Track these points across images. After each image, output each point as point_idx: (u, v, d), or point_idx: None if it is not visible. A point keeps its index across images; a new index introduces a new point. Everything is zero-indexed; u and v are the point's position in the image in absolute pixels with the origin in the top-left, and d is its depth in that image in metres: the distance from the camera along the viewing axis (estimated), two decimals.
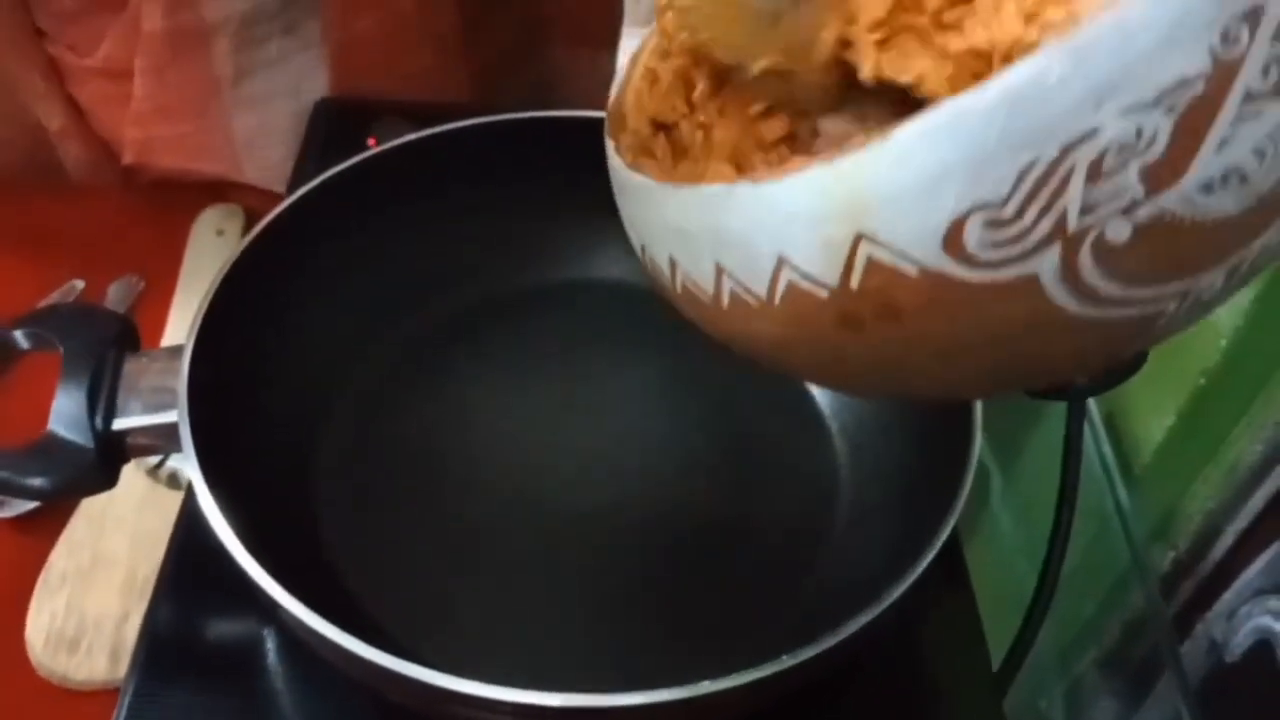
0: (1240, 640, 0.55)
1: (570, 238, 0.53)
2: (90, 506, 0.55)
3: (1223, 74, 0.23)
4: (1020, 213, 0.24)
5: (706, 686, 0.35)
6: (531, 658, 0.43)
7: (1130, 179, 0.24)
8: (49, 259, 0.66)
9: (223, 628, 0.45)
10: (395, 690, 0.37)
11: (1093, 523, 0.63)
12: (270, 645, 0.45)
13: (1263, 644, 0.53)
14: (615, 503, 0.48)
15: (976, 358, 0.28)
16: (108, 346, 0.41)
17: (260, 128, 0.63)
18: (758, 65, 0.31)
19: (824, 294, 0.27)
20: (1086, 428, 0.54)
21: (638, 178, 0.31)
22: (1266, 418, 0.55)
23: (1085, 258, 0.25)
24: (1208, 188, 0.24)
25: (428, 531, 0.47)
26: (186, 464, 0.39)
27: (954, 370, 0.29)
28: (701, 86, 0.36)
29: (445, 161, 0.50)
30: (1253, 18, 0.23)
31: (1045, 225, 0.24)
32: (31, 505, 0.55)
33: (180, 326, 0.63)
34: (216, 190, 0.68)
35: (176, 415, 0.40)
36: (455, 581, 0.46)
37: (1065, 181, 0.24)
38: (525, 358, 0.53)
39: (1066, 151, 0.24)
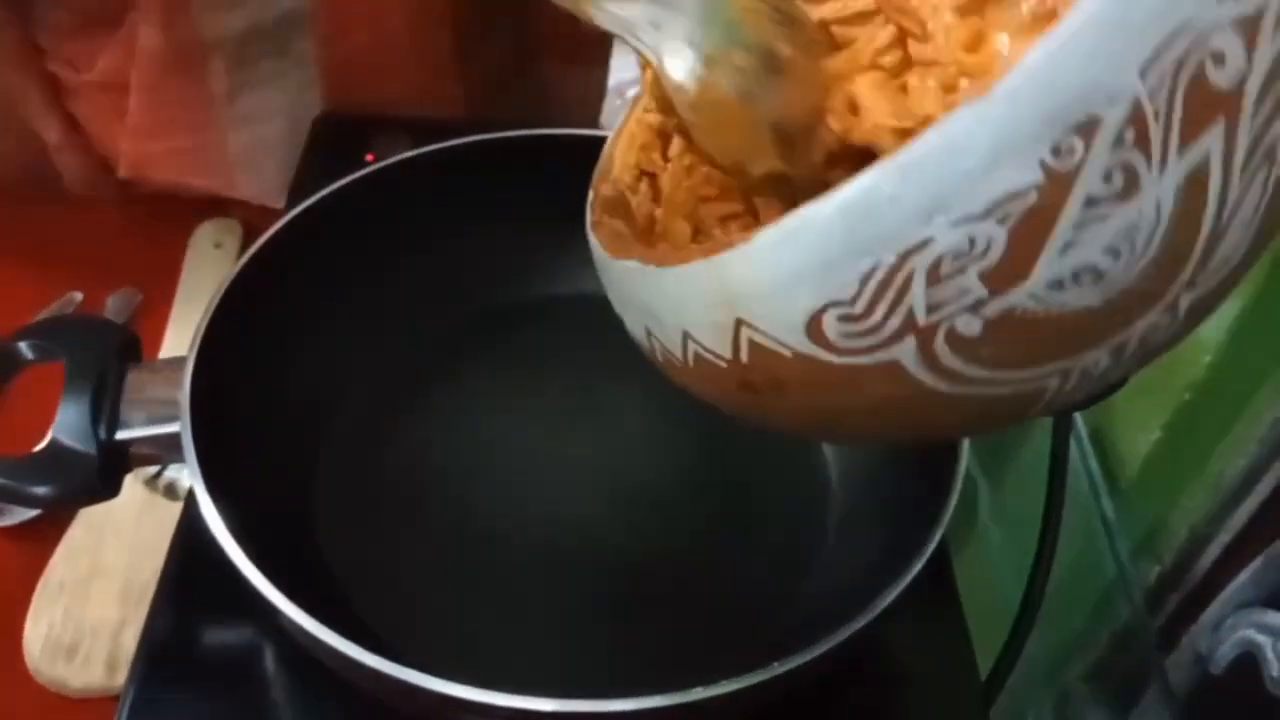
0: (1225, 652, 0.56)
1: (567, 253, 0.54)
2: (88, 516, 0.56)
3: (1058, 184, 0.24)
4: (870, 310, 0.26)
5: (698, 693, 0.35)
6: (527, 665, 0.44)
7: (971, 281, 0.25)
8: (48, 271, 0.66)
9: (221, 636, 0.46)
10: (392, 695, 0.38)
11: (1079, 536, 0.64)
12: (268, 653, 0.45)
13: (1247, 656, 0.54)
14: (609, 513, 0.49)
15: (868, 423, 0.31)
16: (111, 358, 0.42)
17: (255, 144, 0.64)
18: (757, 170, 0.33)
19: (723, 364, 0.30)
20: (1073, 441, 0.55)
21: (593, 241, 0.34)
22: (1251, 432, 0.55)
23: (941, 347, 0.27)
24: (1057, 285, 0.25)
25: (424, 541, 0.48)
26: (188, 473, 0.39)
27: (849, 432, 0.32)
28: (676, 142, 0.37)
29: (445, 177, 0.51)
30: (1087, 130, 0.24)
31: (895, 321, 0.26)
32: (30, 514, 0.56)
33: (178, 338, 0.63)
34: (214, 204, 0.69)
35: (179, 426, 0.40)
36: (450, 590, 0.47)
37: (907, 284, 0.26)
38: (522, 371, 0.54)
39: (904, 258, 0.25)
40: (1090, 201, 0.25)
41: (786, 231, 0.26)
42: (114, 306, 0.65)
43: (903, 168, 0.25)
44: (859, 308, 0.26)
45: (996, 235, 0.25)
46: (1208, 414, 0.58)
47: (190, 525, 0.48)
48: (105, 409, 0.41)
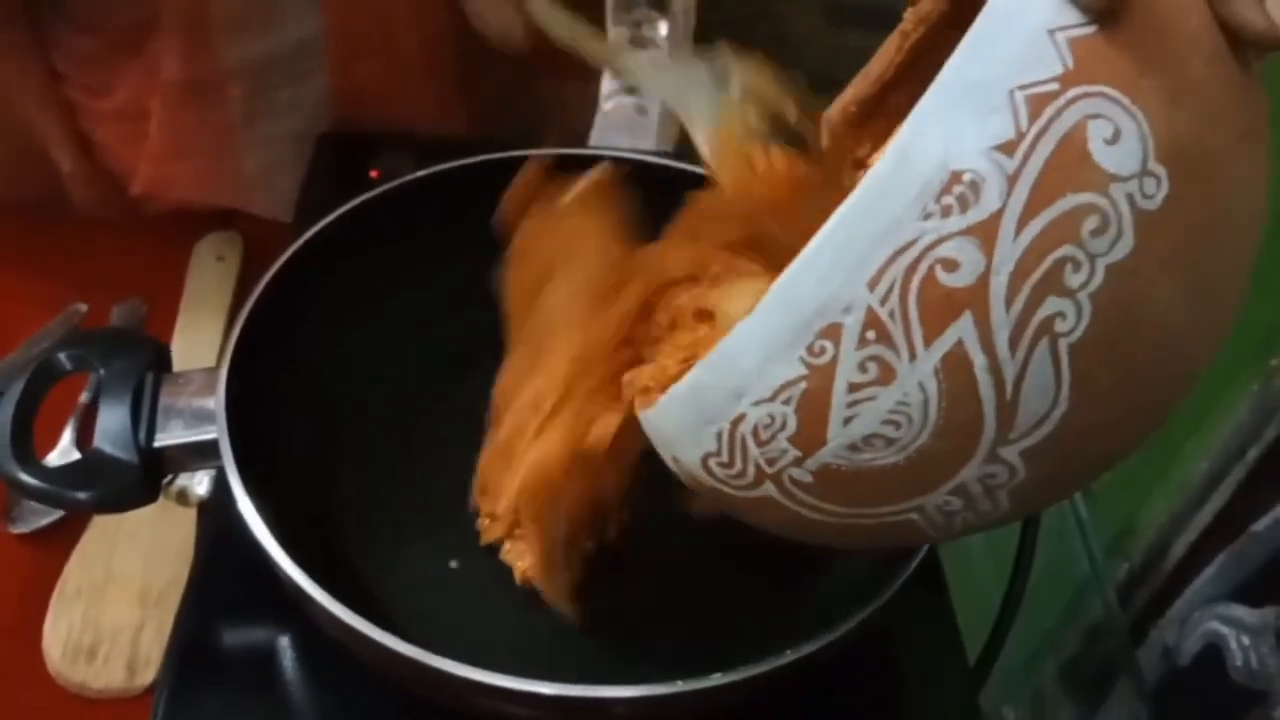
0: (1191, 645, 0.59)
1: None
2: (102, 523, 0.57)
3: (821, 375, 0.31)
4: (732, 460, 0.34)
5: (717, 678, 0.38)
6: (542, 653, 0.47)
7: (784, 445, 0.32)
8: (51, 283, 0.67)
9: (250, 635, 0.47)
10: (414, 680, 0.40)
11: (1053, 537, 0.67)
12: (295, 651, 0.47)
13: (1212, 648, 0.57)
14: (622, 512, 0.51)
15: (815, 536, 0.36)
16: (145, 368, 0.44)
17: (269, 164, 0.66)
18: None
19: (691, 483, 0.37)
20: None
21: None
22: (1213, 437, 0.59)
23: (792, 489, 0.34)
24: (853, 449, 0.32)
25: (441, 537, 0.50)
26: (229, 476, 0.41)
27: (820, 541, 0.37)
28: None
29: (461, 192, 0.53)
30: (832, 333, 0.30)
31: (751, 469, 0.34)
32: (44, 521, 0.57)
33: (185, 348, 0.64)
34: (216, 216, 0.70)
35: (215, 432, 0.42)
36: (465, 582, 0.49)
37: (744, 445, 0.33)
38: None
39: (734, 426, 0.33)
40: (853, 387, 0.30)
41: (669, 398, 0.35)
42: (120, 317, 0.65)
43: (711, 364, 0.33)
44: (725, 458, 0.34)
45: (788, 413, 0.32)
46: (1173, 421, 0.61)
47: (217, 528, 0.49)
48: (143, 417, 0.43)
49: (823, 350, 0.30)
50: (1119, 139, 0.29)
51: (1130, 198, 0.29)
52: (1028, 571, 0.54)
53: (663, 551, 0.50)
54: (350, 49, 0.63)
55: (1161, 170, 0.29)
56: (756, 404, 0.32)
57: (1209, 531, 0.59)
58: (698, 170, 0.45)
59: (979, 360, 0.29)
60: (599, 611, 0.47)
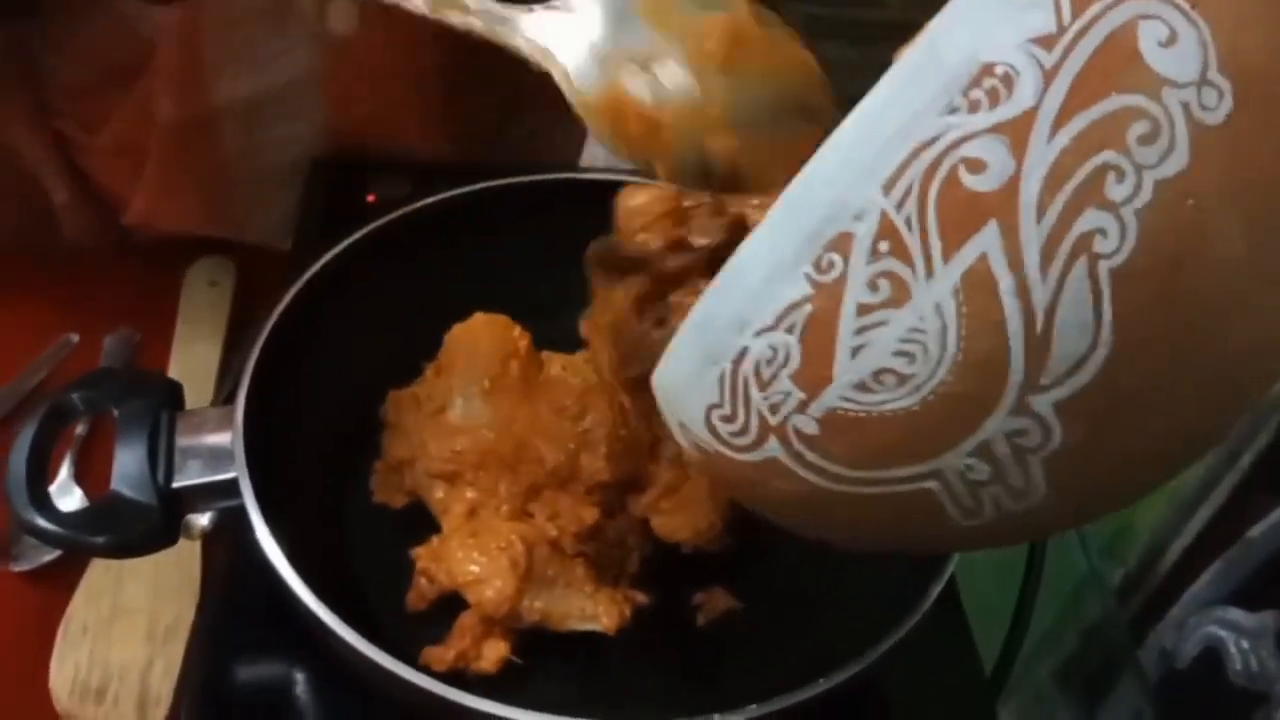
0: (1189, 648, 0.60)
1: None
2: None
3: (828, 295, 0.28)
4: (735, 412, 0.31)
5: (753, 710, 0.38)
6: (557, 689, 0.47)
7: (787, 385, 0.29)
8: (41, 314, 0.66)
9: (262, 671, 0.47)
10: (436, 715, 0.40)
11: (1051, 542, 0.68)
12: (310, 685, 0.47)
13: (1210, 651, 0.58)
14: None
15: (827, 522, 0.33)
16: (159, 408, 0.43)
17: (264, 195, 0.66)
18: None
19: (695, 458, 0.34)
20: None
21: None
22: None
23: (798, 445, 0.30)
24: (862, 388, 0.28)
25: None
26: (250, 515, 0.41)
27: (828, 536, 0.35)
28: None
29: (467, 218, 0.53)
30: (841, 244, 0.27)
31: (755, 421, 0.30)
32: (46, 558, 0.56)
33: (181, 375, 0.63)
34: (207, 240, 0.70)
35: (235, 472, 0.42)
36: None
37: (746, 389, 0.30)
38: None
39: (736, 365, 0.30)
40: (863, 309, 0.27)
41: (676, 340, 0.32)
42: (112, 347, 0.65)
43: (719, 289, 0.30)
44: (727, 409, 0.31)
45: (791, 344, 0.29)
46: None
47: (228, 564, 0.49)
48: (160, 458, 0.42)
49: (830, 265, 0.27)
50: (1175, 42, 0.25)
51: (1186, 107, 0.25)
52: (1038, 580, 0.55)
53: (688, 583, 0.50)
54: (346, 87, 0.63)
55: (1225, 83, 0.26)
56: (759, 334, 0.29)
57: (1203, 536, 0.61)
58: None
59: (1005, 281, 0.26)
60: (631, 644, 0.47)
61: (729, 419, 0.31)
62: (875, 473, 0.30)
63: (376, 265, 0.52)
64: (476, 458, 0.48)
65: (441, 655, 0.45)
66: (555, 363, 0.51)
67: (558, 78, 0.36)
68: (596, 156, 0.73)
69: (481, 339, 0.50)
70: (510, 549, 0.45)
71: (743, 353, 0.30)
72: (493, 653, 0.45)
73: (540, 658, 0.47)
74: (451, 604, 0.47)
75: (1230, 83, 0.26)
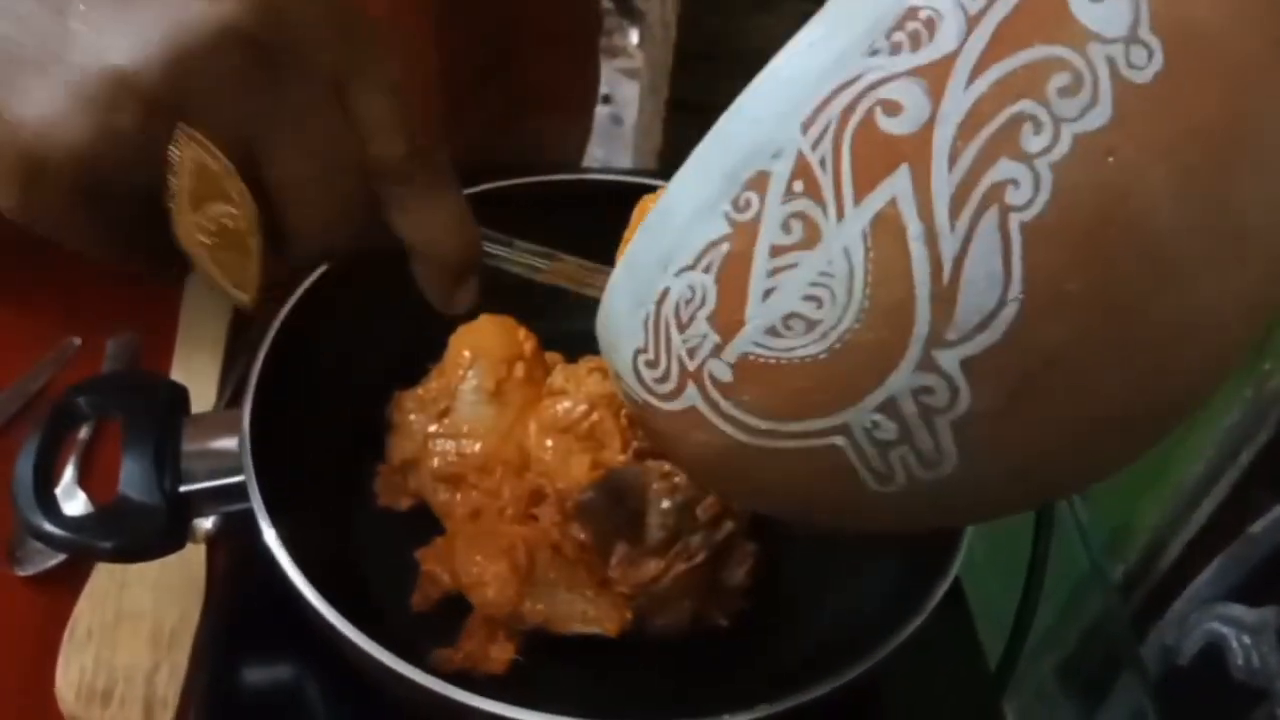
0: (1191, 645, 0.60)
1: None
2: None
3: (744, 234, 0.28)
4: (658, 356, 0.31)
5: (763, 709, 0.38)
6: (567, 690, 0.47)
7: (704, 327, 0.29)
8: (41, 317, 0.65)
9: (272, 674, 0.47)
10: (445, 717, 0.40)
11: (1052, 539, 0.68)
12: (318, 689, 0.47)
13: (1212, 647, 0.58)
14: None
15: (744, 482, 0.33)
16: (165, 412, 0.44)
17: None
18: None
19: (633, 411, 0.34)
20: None
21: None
22: (1207, 440, 0.60)
23: (713, 392, 0.30)
24: (773, 332, 0.28)
25: None
26: (258, 519, 0.41)
27: (744, 490, 0.35)
28: None
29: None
30: (759, 183, 0.27)
31: (675, 366, 0.30)
32: (49, 562, 0.56)
33: (184, 378, 0.63)
34: None
35: (242, 475, 0.42)
36: None
37: (669, 331, 0.30)
38: None
39: (659, 305, 0.30)
40: (775, 250, 0.27)
41: (613, 279, 0.32)
42: (115, 350, 0.64)
43: (647, 226, 0.30)
44: (651, 354, 0.31)
45: (708, 283, 0.28)
46: None
47: (232, 567, 0.49)
48: (167, 463, 0.42)
49: (748, 204, 0.27)
50: None
51: (1111, 61, 0.25)
52: (1042, 577, 0.55)
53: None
54: None
55: (1155, 42, 0.25)
56: (679, 273, 0.29)
57: (1204, 533, 0.61)
58: None
59: (913, 227, 0.26)
60: (636, 645, 0.47)
61: (653, 364, 0.31)
62: (786, 424, 0.29)
63: (381, 266, 0.52)
64: (481, 460, 0.48)
65: (450, 656, 0.45)
66: (559, 375, 0.50)
67: None
68: (598, 157, 0.74)
69: (487, 340, 0.50)
70: (513, 551, 0.45)
71: (665, 293, 0.29)
72: (500, 654, 0.45)
73: (546, 659, 0.47)
74: (457, 605, 0.47)
75: (1161, 42, 0.25)
